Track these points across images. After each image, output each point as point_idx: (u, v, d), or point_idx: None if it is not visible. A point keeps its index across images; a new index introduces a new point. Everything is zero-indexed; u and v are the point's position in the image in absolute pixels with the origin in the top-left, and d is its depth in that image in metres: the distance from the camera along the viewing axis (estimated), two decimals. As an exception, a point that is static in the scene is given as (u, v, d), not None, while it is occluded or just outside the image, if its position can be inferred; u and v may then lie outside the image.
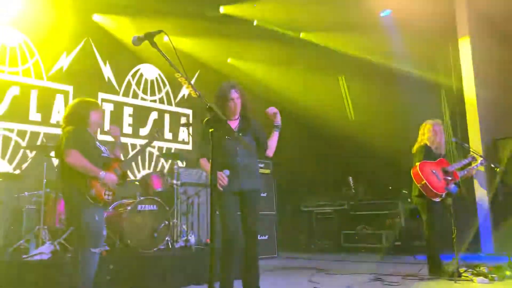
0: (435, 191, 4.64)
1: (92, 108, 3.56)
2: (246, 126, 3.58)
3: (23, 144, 6.31)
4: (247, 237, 3.41)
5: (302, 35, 8.29)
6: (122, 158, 3.82)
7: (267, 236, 6.86)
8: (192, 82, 8.42)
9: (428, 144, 4.91)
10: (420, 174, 4.70)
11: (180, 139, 8.30)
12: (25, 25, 6.54)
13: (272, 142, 3.65)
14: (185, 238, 5.41)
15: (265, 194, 6.94)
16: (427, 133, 4.96)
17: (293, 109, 8.21)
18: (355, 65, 8.16)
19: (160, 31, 2.57)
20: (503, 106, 7.59)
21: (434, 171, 4.76)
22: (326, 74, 8.76)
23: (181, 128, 8.21)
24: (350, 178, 8.50)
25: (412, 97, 7.47)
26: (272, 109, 3.66)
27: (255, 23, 7.87)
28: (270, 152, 3.66)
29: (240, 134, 3.47)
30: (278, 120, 3.65)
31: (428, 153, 4.85)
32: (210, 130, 2.10)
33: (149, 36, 2.52)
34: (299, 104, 8.52)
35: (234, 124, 3.58)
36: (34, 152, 5.62)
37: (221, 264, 3.31)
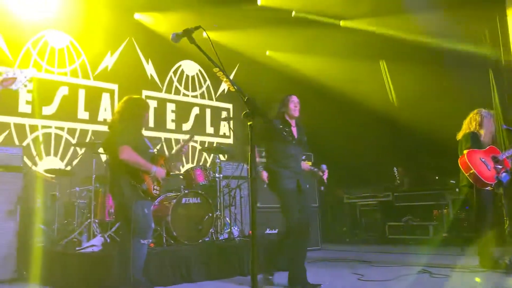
0: (484, 180, 4.45)
1: (145, 108, 3.75)
2: (302, 135, 4.18)
3: (73, 141, 6.62)
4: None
5: (342, 23, 8.13)
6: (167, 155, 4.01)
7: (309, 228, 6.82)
8: (232, 76, 8.58)
9: (476, 131, 4.71)
10: (468, 162, 4.52)
11: (221, 133, 8.41)
12: (71, 27, 6.83)
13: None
14: (229, 230, 5.49)
15: (307, 186, 6.90)
16: (474, 122, 4.75)
17: (335, 98, 8.10)
18: (396, 48, 7.88)
19: (198, 27, 2.62)
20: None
21: (483, 160, 4.57)
22: (366, 59, 8.52)
23: (222, 122, 8.31)
24: (395, 169, 8.30)
25: (458, 78, 7.13)
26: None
27: (293, 13, 7.80)
28: None
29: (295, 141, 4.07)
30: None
31: (476, 140, 4.65)
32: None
33: (188, 33, 2.57)
34: (340, 93, 8.37)
35: (294, 130, 4.12)
36: (83, 149, 5.87)
37: (292, 253, 3.88)
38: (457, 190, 6.21)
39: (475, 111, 4.83)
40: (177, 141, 7.64)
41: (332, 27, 8.15)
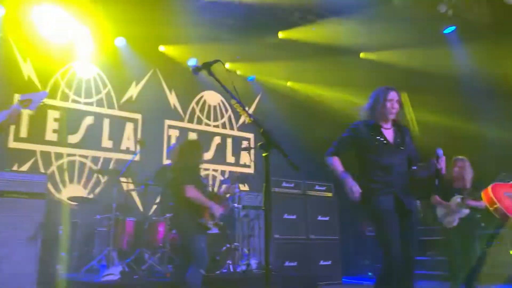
0: (509, 214, 4.31)
1: (201, 148, 4.29)
2: (403, 138, 3.29)
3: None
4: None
5: (361, 54, 8.20)
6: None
7: (330, 262, 6.69)
8: (254, 105, 8.67)
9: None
10: (493, 196, 4.39)
11: (241, 162, 8.44)
12: (98, 59, 7.08)
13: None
14: (246, 261, 5.43)
15: (327, 218, 6.83)
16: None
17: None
18: (418, 80, 7.87)
19: (217, 61, 2.69)
20: None
21: (507, 194, 4.43)
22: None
23: (243, 152, 8.34)
24: (418, 202, 8.11)
25: (484, 110, 7.07)
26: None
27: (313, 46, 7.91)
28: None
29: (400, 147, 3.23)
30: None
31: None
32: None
33: (207, 66, 2.64)
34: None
35: (389, 134, 3.28)
36: (105, 177, 5.97)
37: None
38: (483, 224, 6.02)
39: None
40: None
41: (352, 59, 8.21)
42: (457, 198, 4.90)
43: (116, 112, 7.18)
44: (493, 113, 7.02)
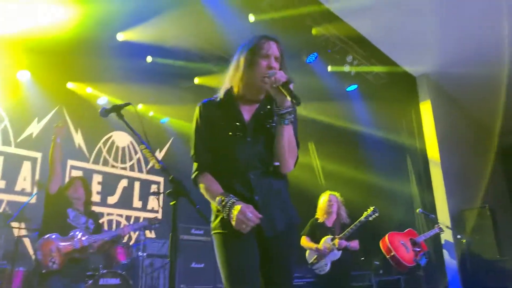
0: (404, 262, 4.62)
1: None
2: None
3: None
4: None
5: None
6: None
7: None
8: (166, 148, 8.51)
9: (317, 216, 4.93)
10: (389, 245, 4.70)
11: (149, 207, 8.13)
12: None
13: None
14: (149, 314, 5.13)
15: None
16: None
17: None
18: (324, 131, 8.38)
19: (127, 104, 2.61)
20: (467, 175, 7.84)
21: (402, 242, 4.77)
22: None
23: (151, 197, 8.07)
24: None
25: (381, 162, 7.67)
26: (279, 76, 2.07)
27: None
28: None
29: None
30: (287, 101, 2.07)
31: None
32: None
33: (117, 109, 2.55)
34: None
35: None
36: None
37: None
38: (381, 272, 6.35)
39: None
40: (101, 214, 7.25)
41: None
42: (328, 239, 4.65)
43: (11, 150, 6.60)
44: (384, 165, 7.66)
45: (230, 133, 2.19)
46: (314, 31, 6.46)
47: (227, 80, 2.36)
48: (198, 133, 2.32)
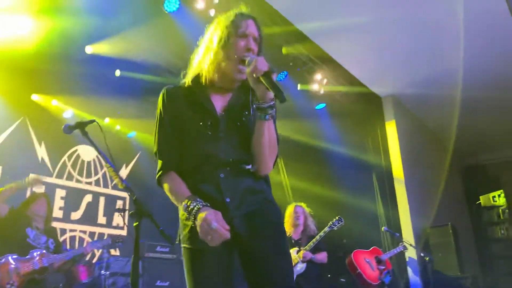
0: (368, 280, 4.68)
1: None
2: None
3: None
4: None
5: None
6: None
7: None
8: (133, 163, 8.35)
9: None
10: (355, 263, 4.75)
11: (114, 224, 7.93)
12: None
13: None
14: (111, 335, 4.97)
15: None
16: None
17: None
18: (292, 148, 8.47)
19: (92, 121, 2.60)
20: (430, 193, 8.07)
21: (367, 260, 4.84)
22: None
23: (116, 213, 7.87)
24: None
25: (348, 180, 7.80)
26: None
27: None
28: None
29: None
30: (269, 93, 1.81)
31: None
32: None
33: (81, 126, 2.53)
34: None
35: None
36: None
37: None
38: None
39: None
40: (63, 231, 7.01)
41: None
42: (293, 252, 4.57)
43: (-31, 163, 6.34)
44: (351, 183, 7.80)
45: (199, 128, 1.88)
46: (284, 50, 6.56)
47: (196, 63, 2.05)
48: (162, 127, 1.98)
